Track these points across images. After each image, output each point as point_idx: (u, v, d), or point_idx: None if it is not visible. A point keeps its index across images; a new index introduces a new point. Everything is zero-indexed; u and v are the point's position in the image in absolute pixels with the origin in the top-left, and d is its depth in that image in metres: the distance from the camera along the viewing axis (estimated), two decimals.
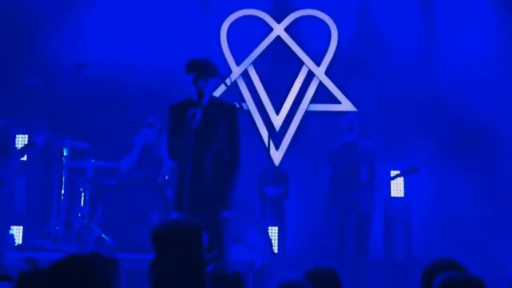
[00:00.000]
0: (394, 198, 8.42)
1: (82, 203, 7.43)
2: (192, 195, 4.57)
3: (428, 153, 8.45)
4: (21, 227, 8.21)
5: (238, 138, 4.90)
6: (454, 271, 2.62)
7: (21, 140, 8.31)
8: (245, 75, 9.26)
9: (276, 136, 8.98)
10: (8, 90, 8.29)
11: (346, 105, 9.06)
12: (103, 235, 7.02)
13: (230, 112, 4.92)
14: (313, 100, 9.18)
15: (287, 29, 9.34)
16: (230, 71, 9.04)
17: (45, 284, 2.07)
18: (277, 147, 8.98)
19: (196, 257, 2.53)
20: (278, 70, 9.26)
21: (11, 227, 8.02)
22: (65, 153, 7.49)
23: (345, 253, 7.21)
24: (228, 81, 7.64)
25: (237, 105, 5.07)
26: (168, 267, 2.51)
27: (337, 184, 7.29)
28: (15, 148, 7.08)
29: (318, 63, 9.23)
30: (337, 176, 7.32)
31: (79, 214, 7.31)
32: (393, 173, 7.67)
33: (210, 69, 4.85)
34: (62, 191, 7.49)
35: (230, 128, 4.85)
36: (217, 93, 8.33)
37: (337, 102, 9.13)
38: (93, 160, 7.56)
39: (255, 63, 9.28)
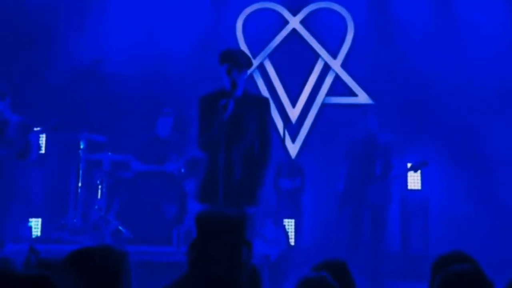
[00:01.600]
0: (411, 190, 8.39)
1: (99, 195, 7.48)
2: (220, 188, 4.40)
3: (445, 146, 8.40)
4: (39, 220, 8.28)
5: (269, 133, 4.78)
6: (463, 264, 2.58)
7: None
8: (261, 68, 9.25)
9: (292, 129, 8.96)
10: (25, 86, 8.33)
11: (362, 98, 9.01)
12: (120, 227, 7.07)
13: (263, 105, 4.79)
14: (329, 93, 9.14)
15: (302, 22, 9.31)
16: None
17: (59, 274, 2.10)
18: (293, 140, 8.97)
19: (237, 246, 2.55)
20: (294, 63, 9.22)
21: (30, 219, 8.12)
22: (81, 146, 7.54)
23: (360, 246, 7.21)
24: None
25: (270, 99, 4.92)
26: (208, 249, 2.53)
27: (352, 178, 7.29)
28: (39, 145, 7.12)
29: (334, 56, 9.19)
30: (352, 169, 7.33)
31: (96, 206, 7.37)
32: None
33: (244, 59, 4.71)
34: (79, 184, 7.54)
35: (261, 122, 4.72)
36: None
37: (354, 94, 9.09)
38: (109, 153, 7.60)
39: (271, 56, 9.26)
